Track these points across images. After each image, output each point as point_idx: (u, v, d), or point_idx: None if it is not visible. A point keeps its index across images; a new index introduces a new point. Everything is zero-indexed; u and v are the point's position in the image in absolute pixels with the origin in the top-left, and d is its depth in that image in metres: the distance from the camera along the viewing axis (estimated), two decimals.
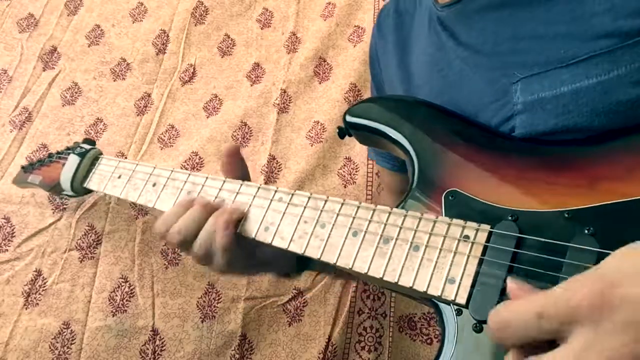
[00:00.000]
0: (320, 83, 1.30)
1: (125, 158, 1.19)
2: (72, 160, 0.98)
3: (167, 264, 1.08)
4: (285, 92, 1.27)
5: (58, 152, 1.04)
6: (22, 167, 1.09)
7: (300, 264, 0.79)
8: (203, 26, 1.38)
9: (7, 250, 1.07)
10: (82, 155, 0.98)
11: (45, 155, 1.08)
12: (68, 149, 1.03)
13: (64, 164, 0.98)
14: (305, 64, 1.30)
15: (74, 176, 0.97)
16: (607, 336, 0.34)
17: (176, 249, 0.75)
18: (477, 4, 0.69)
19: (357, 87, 1.26)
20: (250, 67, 1.32)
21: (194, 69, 1.32)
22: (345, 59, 1.32)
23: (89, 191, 1.00)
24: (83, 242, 1.08)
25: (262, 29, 1.38)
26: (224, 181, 0.72)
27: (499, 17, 0.65)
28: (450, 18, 0.73)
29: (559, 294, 0.38)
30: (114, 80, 1.30)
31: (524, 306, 0.39)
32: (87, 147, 1.01)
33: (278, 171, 1.18)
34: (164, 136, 1.23)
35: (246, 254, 0.69)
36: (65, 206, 1.12)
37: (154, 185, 0.82)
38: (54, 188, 1.01)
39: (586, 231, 0.47)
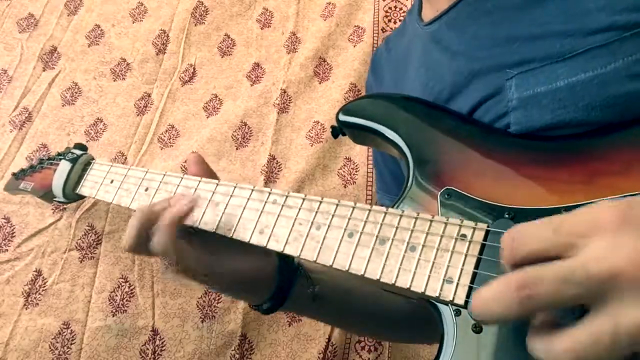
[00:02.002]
0: (320, 83, 1.30)
1: (125, 158, 1.20)
2: (64, 166, 0.96)
3: (167, 264, 1.07)
4: (285, 92, 1.27)
5: (49, 158, 1.03)
6: (13, 174, 1.08)
7: (276, 300, 0.74)
8: (203, 26, 1.38)
9: (7, 250, 1.07)
10: (73, 161, 0.96)
11: (36, 161, 1.07)
12: (59, 154, 1.02)
13: (55, 170, 0.97)
14: (305, 64, 1.30)
15: (66, 182, 0.95)
16: (621, 248, 0.34)
17: None
18: (467, 11, 0.70)
19: (357, 87, 1.26)
20: (250, 67, 1.32)
21: (194, 69, 1.32)
22: (345, 59, 1.32)
23: (82, 197, 0.99)
24: (83, 242, 1.08)
25: (262, 29, 1.38)
26: (217, 184, 0.71)
27: (491, 21, 0.65)
28: (442, 30, 0.74)
29: (578, 210, 0.38)
30: (114, 80, 1.30)
31: (540, 221, 0.39)
32: (79, 152, 0.99)
33: (278, 171, 1.18)
34: (164, 136, 1.23)
35: (200, 257, 0.66)
36: (65, 206, 1.12)
37: (146, 189, 0.81)
38: (46, 195, 0.99)
39: None
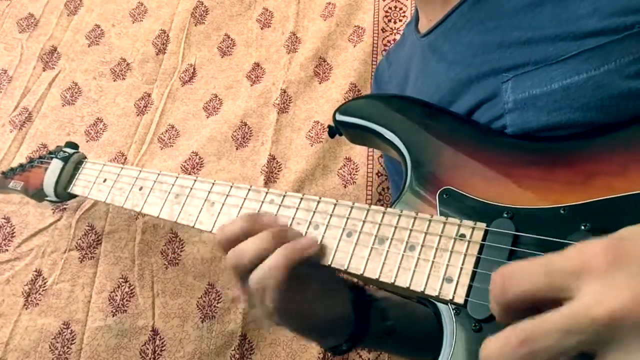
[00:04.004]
0: (320, 83, 1.29)
1: (125, 158, 1.20)
2: (55, 165, 0.96)
3: (167, 264, 1.08)
4: (285, 92, 1.27)
5: (40, 157, 1.03)
6: (2, 173, 1.08)
7: (355, 339, 0.69)
8: (203, 26, 1.38)
9: (7, 250, 1.07)
10: (65, 159, 0.96)
11: (26, 160, 1.06)
12: (50, 153, 1.01)
13: (46, 169, 0.97)
14: (305, 64, 1.30)
15: (57, 181, 0.95)
16: (618, 287, 0.33)
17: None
18: (461, 20, 0.71)
19: (357, 87, 1.26)
20: (250, 67, 1.32)
21: (194, 69, 1.32)
22: (345, 59, 1.32)
23: (74, 196, 0.99)
24: (83, 242, 1.08)
25: (262, 29, 1.38)
26: (213, 183, 0.71)
27: (485, 28, 0.66)
28: (438, 40, 0.74)
29: (569, 250, 0.37)
30: (114, 80, 1.30)
31: (532, 261, 0.38)
32: (70, 150, 0.98)
33: (278, 171, 1.18)
34: (164, 136, 1.23)
35: (300, 301, 0.60)
36: (65, 206, 1.12)
37: (140, 189, 0.81)
38: (37, 194, 0.99)
39: (582, 227, 0.47)
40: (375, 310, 0.71)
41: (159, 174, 0.79)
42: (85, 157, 0.98)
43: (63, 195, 0.97)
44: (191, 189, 0.73)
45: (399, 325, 0.73)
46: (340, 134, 0.74)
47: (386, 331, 0.71)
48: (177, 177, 0.76)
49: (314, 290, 0.61)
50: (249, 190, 0.67)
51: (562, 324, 0.35)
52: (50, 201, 1.01)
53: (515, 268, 0.39)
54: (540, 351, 0.35)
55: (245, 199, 0.67)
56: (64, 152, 0.98)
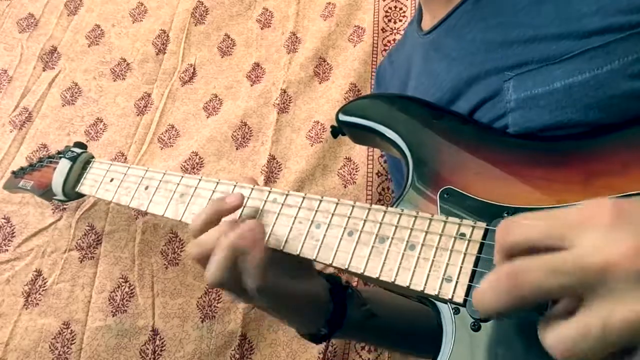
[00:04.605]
0: (320, 83, 1.30)
1: (125, 158, 1.20)
2: (63, 164, 0.97)
3: (167, 264, 1.08)
4: (285, 92, 1.27)
5: (49, 157, 1.04)
6: (13, 172, 1.09)
7: (331, 327, 0.71)
8: (203, 26, 1.38)
9: (7, 250, 1.07)
10: (73, 159, 0.97)
11: (35, 160, 1.07)
12: (59, 153, 1.02)
13: (55, 169, 0.97)
14: (305, 64, 1.30)
15: (66, 181, 0.96)
16: (618, 240, 0.34)
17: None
18: (465, 17, 0.71)
19: (357, 87, 1.26)
20: (250, 67, 1.32)
21: (194, 69, 1.32)
22: (345, 59, 1.32)
23: (81, 196, 0.99)
24: (83, 242, 1.08)
25: (262, 29, 1.38)
26: (217, 183, 0.71)
27: (486, 26, 0.66)
28: (441, 37, 0.75)
29: (574, 206, 0.38)
30: (114, 80, 1.30)
31: (537, 212, 0.39)
32: (78, 150, 0.99)
33: (278, 171, 1.18)
34: (164, 136, 1.23)
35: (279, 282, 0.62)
36: (65, 206, 1.12)
37: (146, 188, 0.81)
38: (46, 193, 1.00)
39: None
40: (352, 294, 0.73)
41: (164, 174, 0.79)
42: (93, 157, 0.99)
43: (71, 194, 0.98)
44: (196, 188, 0.74)
45: (379, 312, 0.74)
46: (344, 134, 0.74)
47: (365, 316, 0.72)
48: (182, 177, 0.76)
49: (285, 267, 0.62)
50: (252, 189, 0.68)
51: (550, 263, 0.35)
52: (59, 200, 1.01)
53: (520, 217, 0.40)
54: (525, 284, 0.36)
55: (248, 197, 0.67)
56: (72, 151, 0.99)
